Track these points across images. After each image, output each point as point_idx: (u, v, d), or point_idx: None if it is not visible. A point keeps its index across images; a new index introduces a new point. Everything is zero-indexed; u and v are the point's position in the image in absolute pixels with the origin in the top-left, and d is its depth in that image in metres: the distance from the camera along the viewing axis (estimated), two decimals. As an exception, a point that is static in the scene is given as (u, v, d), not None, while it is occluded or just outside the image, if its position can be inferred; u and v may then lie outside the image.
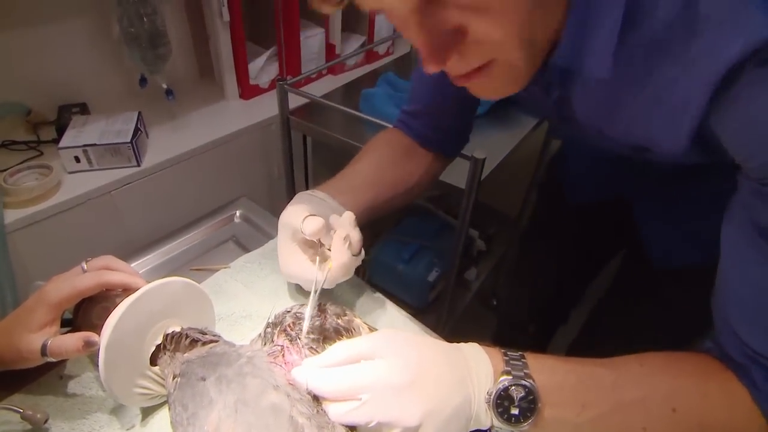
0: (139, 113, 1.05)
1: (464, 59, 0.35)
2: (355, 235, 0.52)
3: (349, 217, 0.53)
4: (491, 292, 1.65)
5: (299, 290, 0.60)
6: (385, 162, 0.65)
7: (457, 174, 0.85)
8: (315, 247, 0.55)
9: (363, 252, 0.55)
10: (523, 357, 0.39)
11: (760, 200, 0.33)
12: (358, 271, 0.60)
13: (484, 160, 0.79)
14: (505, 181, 1.19)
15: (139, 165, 0.99)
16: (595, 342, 0.85)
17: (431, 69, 0.35)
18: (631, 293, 0.79)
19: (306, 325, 0.44)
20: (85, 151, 0.94)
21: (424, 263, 1.27)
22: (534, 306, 1.04)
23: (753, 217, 0.34)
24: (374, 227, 1.37)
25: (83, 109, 1.09)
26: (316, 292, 0.47)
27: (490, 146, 1.01)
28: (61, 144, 0.94)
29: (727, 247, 0.37)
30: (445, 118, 0.64)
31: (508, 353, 0.39)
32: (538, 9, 0.33)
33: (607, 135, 0.43)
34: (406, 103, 0.67)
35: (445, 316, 1.11)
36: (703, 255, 0.41)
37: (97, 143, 0.95)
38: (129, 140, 0.96)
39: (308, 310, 0.45)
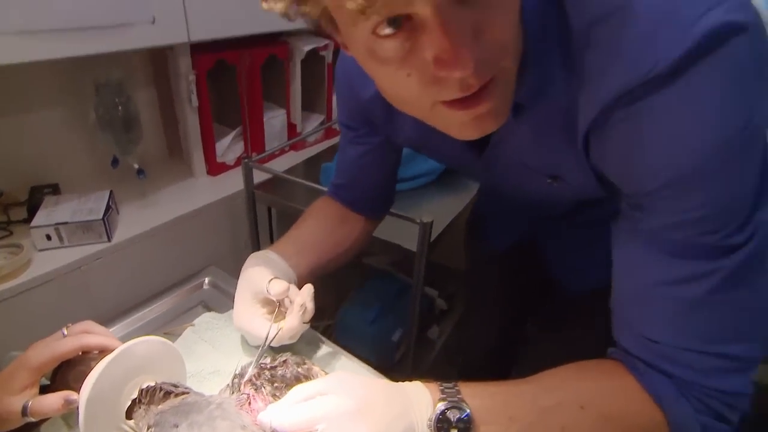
0: (111, 192, 1.11)
1: (477, 70, 0.34)
2: (310, 306, 0.60)
3: (308, 289, 0.60)
4: (458, 350, 1.70)
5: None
6: (324, 227, 0.74)
7: (409, 238, 0.93)
8: (271, 306, 0.61)
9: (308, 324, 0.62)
10: (456, 385, 0.45)
11: (638, 211, 0.42)
12: (325, 333, 0.67)
13: (431, 223, 0.88)
14: (460, 242, 1.28)
15: (109, 240, 1.03)
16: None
17: (457, 71, 0.33)
18: (557, 320, 0.88)
19: (251, 370, 0.50)
20: (56, 229, 0.99)
21: (387, 324, 1.33)
22: (485, 353, 1.10)
23: (632, 227, 0.43)
24: (339, 292, 1.43)
25: (55, 189, 1.14)
26: (266, 343, 0.54)
27: (440, 210, 1.11)
28: (33, 223, 0.98)
29: (618, 256, 0.46)
30: (367, 188, 0.75)
31: (443, 384, 0.46)
32: (518, 39, 0.39)
33: (530, 166, 0.51)
34: (334, 175, 0.77)
35: (411, 375, 1.16)
36: (608, 273, 0.49)
37: (69, 221, 0.99)
38: (101, 217, 1.01)
39: (257, 357, 0.52)
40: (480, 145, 0.52)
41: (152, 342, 0.51)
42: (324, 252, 0.71)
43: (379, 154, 0.70)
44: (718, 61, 0.33)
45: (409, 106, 0.41)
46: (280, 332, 0.57)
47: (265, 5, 0.35)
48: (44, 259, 0.97)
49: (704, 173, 0.36)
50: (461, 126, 0.40)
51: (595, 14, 0.37)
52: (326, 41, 1.46)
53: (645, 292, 0.44)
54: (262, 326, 0.58)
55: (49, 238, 0.99)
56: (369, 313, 1.34)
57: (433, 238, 0.93)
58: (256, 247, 1.30)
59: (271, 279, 0.59)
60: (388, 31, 0.33)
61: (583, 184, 0.48)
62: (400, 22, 0.32)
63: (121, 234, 1.07)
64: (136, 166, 1.14)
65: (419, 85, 0.36)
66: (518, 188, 0.60)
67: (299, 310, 0.58)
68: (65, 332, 0.52)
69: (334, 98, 1.60)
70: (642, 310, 0.45)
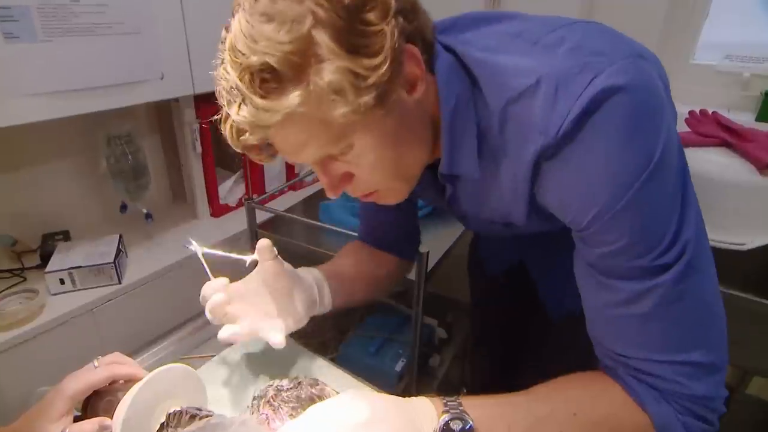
0: (120, 236, 1.16)
1: (355, 191, 0.53)
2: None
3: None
4: (461, 380, 1.71)
5: (278, 371, 0.69)
6: (355, 261, 0.80)
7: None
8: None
9: None
10: (458, 399, 0.50)
11: (581, 243, 0.49)
12: None
13: (427, 253, 0.93)
14: (458, 271, 1.33)
15: (120, 282, 1.07)
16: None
17: (331, 196, 0.53)
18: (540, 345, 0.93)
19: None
20: (70, 273, 1.03)
21: (390, 355, 1.36)
22: (495, 378, 1.13)
23: (582, 256, 0.50)
24: (341, 326, 1.46)
25: (66, 236, 1.19)
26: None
27: (435, 241, 1.17)
28: (48, 268, 1.03)
29: (578, 281, 0.52)
30: (390, 232, 0.82)
31: (446, 398, 0.50)
32: (405, 156, 0.51)
33: (482, 218, 0.59)
34: (359, 224, 0.84)
35: (413, 403, 1.18)
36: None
37: (82, 265, 1.04)
38: (112, 260, 1.06)
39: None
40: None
41: (176, 369, 0.56)
42: (356, 280, 0.77)
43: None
44: (603, 117, 0.42)
45: None
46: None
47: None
48: (58, 302, 1.02)
49: (618, 207, 0.43)
50: None
51: (510, 95, 0.46)
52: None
53: (601, 312, 0.50)
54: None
55: (62, 282, 1.04)
56: (371, 344, 1.37)
57: (429, 268, 0.98)
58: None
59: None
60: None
61: (536, 225, 0.55)
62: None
63: (130, 276, 1.11)
64: (144, 210, 1.20)
65: None
66: (485, 228, 0.68)
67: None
68: (96, 364, 0.56)
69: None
70: (604, 329, 0.51)
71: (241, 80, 0.40)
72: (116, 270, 1.07)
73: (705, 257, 0.46)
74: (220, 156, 1.47)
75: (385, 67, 0.41)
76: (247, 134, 0.46)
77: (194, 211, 1.41)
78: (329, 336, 1.45)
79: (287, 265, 0.66)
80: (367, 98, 0.41)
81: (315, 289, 0.68)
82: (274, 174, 1.54)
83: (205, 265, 0.63)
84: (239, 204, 1.47)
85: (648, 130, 0.43)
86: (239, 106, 0.42)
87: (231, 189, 1.45)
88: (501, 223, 0.59)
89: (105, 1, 0.91)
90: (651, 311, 0.45)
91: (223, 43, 0.43)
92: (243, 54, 0.40)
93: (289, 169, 1.59)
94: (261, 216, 1.28)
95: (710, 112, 1.18)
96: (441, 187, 0.59)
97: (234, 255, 0.64)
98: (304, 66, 0.40)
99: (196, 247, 0.63)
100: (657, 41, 1.32)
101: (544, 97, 0.43)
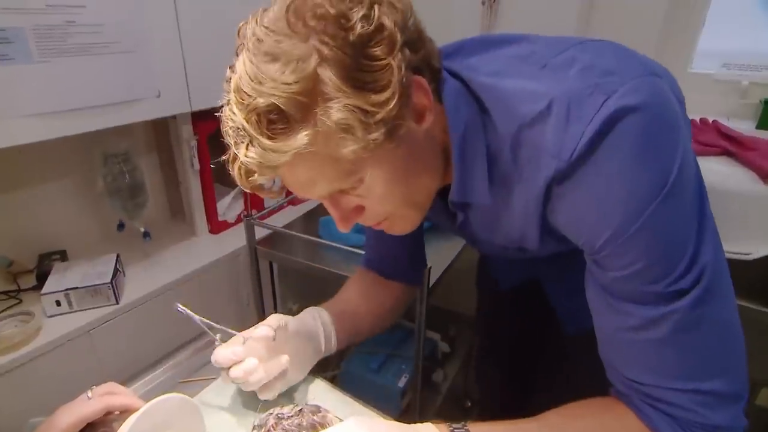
0: (117, 255, 1.14)
1: (366, 221, 0.52)
2: (256, 378, 0.61)
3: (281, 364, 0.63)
4: (464, 393, 1.69)
5: (278, 399, 0.67)
6: (361, 294, 0.79)
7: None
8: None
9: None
10: (465, 426, 0.48)
11: (594, 266, 0.47)
12: (332, 384, 0.70)
13: (429, 269, 0.92)
14: (459, 284, 1.32)
15: (117, 302, 1.06)
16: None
17: (343, 230, 0.51)
18: (556, 362, 0.91)
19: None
20: (66, 295, 1.02)
21: (392, 370, 1.34)
22: (505, 396, 1.11)
23: (595, 278, 0.48)
24: (342, 341, 1.45)
25: (63, 255, 1.18)
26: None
27: (437, 255, 1.16)
28: (44, 290, 1.01)
29: (590, 303, 0.51)
30: (396, 259, 0.80)
31: (453, 425, 0.49)
32: (416, 186, 0.50)
33: (495, 244, 0.58)
34: (365, 251, 0.83)
35: (418, 420, 1.16)
36: None
37: (79, 286, 1.02)
38: (109, 281, 1.04)
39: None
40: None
41: (174, 399, 0.54)
42: (363, 313, 0.76)
43: None
44: (616, 138, 0.41)
45: None
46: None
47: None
48: (54, 324, 1.00)
49: (632, 230, 0.42)
50: None
51: (522, 121, 0.45)
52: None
53: (613, 336, 0.48)
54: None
55: (58, 304, 1.02)
56: (373, 360, 1.36)
57: (431, 282, 0.97)
58: (259, 302, 1.33)
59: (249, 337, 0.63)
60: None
61: (550, 248, 0.55)
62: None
63: (128, 296, 1.10)
64: (142, 229, 1.19)
65: None
66: (499, 253, 0.66)
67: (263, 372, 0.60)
68: (89, 395, 0.55)
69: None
70: (618, 354, 0.49)
71: (247, 122, 0.40)
72: (113, 290, 1.05)
73: (724, 281, 0.45)
74: (219, 172, 1.46)
75: (393, 102, 0.40)
76: (256, 174, 0.44)
77: (193, 228, 1.40)
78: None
79: (292, 326, 0.66)
80: (377, 134, 0.41)
81: (321, 338, 0.69)
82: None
83: (203, 324, 0.63)
84: (238, 220, 1.46)
85: (663, 150, 0.41)
86: (247, 147, 0.41)
87: (230, 205, 1.44)
88: (514, 248, 0.58)
89: (100, 21, 0.91)
90: (666, 337, 0.44)
91: (228, 82, 0.43)
92: (249, 96, 0.39)
93: (288, 183, 1.58)
94: (261, 232, 1.27)
95: (710, 121, 1.18)
96: (452, 213, 0.58)
97: (228, 330, 0.63)
98: (311, 106, 0.39)
99: (189, 313, 0.63)
100: (654, 51, 1.32)
101: (556, 120, 0.43)
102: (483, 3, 1.47)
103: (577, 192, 0.44)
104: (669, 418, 0.46)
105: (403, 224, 0.54)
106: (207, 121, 1.27)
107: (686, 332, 0.44)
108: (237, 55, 0.42)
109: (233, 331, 0.62)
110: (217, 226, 1.40)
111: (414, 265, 0.84)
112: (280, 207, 1.54)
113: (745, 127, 1.16)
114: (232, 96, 0.41)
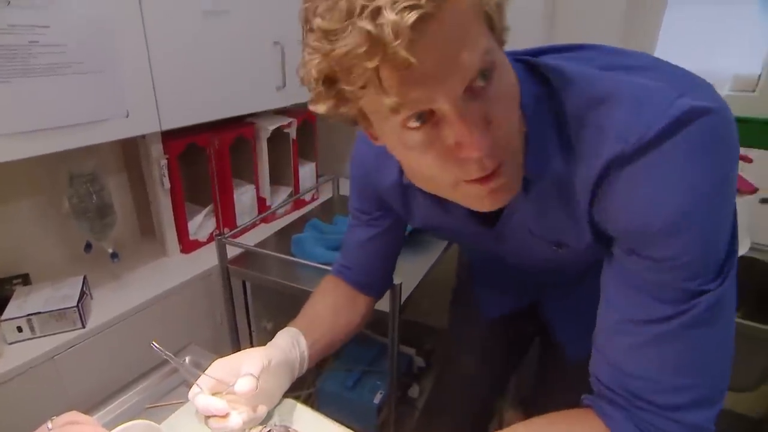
0: (84, 277, 1.12)
1: (490, 151, 0.41)
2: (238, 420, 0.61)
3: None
4: (438, 411, 1.69)
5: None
6: (333, 308, 0.78)
7: (382, 299, 0.98)
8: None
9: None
10: None
11: (631, 255, 0.47)
12: (306, 402, 0.69)
13: (400, 284, 0.93)
14: (434, 298, 1.32)
15: (84, 327, 1.03)
16: None
17: (471, 149, 0.40)
18: (553, 386, 0.92)
19: None
20: (29, 320, 0.98)
21: (368, 387, 1.34)
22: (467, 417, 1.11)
23: (622, 266, 0.49)
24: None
25: (25, 279, 1.14)
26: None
27: (409, 271, 1.17)
28: (4, 316, 0.98)
29: (604, 288, 0.51)
30: (374, 271, 0.81)
31: None
32: (516, 125, 0.46)
33: (537, 235, 0.57)
34: (340, 256, 0.82)
35: (394, 437, 1.16)
36: None
37: (42, 311, 0.99)
38: (75, 304, 1.01)
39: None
40: (491, 219, 0.59)
41: (138, 426, 0.53)
42: (334, 333, 0.76)
43: (388, 237, 0.76)
44: (688, 134, 0.42)
45: (432, 183, 0.48)
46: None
47: (312, 107, 0.43)
48: (15, 351, 0.96)
49: (684, 223, 0.43)
50: (480, 199, 0.46)
51: (589, 100, 0.46)
52: (290, 119, 1.55)
53: (618, 327, 0.49)
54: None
55: (20, 330, 0.99)
56: (348, 378, 1.35)
57: (404, 298, 0.98)
58: (233, 322, 1.31)
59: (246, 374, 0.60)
60: (415, 124, 0.41)
61: (584, 248, 0.54)
62: (425, 117, 0.40)
63: (95, 319, 1.07)
64: (110, 250, 1.16)
65: (442, 166, 0.43)
66: (526, 257, 0.66)
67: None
68: (49, 425, 0.53)
69: (300, 171, 1.68)
70: (619, 343, 0.50)
71: None
72: (80, 314, 1.02)
73: (733, 295, 0.47)
74: (190, 190, 1.45)
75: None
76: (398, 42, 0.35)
77: (164, 248, 1.37)
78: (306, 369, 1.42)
79: (275, 360, 0.64)
80: (503, 34, 0.43)
81: (297, 365, 0.69)
82: (245, 207, 1.52)
83: (181, 367, 0.62)
84: (210, 239, 1.44)
85: (726, 154, 0.43)
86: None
87: (201, 224, 1.42)
88: (552, 243, 0.57)
89: (65, 41, 0.90)
90: (672, 333, 0.45)
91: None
92: None
93: (261, 201, 1.57)
94: (233, 250, 1.26)
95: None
96: (485, 217, 0.57)
97: (209, 375, 0.61)
98: None
99: (167, 354, 0.62)
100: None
101: (629, 105, 0.44)
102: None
103: (637, 177, 0.44)
104: (632, 423, 0.48)
105: (512, 178, 0.47)
106: (177, 139, 1.26)
107: (695, 329, 0.45)
108: None
109: (213, 377, 0.60)
110: (188, 246, 1.38)
111: (386, 276, 0.84)
112: (253, 224, 1.54)
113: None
114: None
